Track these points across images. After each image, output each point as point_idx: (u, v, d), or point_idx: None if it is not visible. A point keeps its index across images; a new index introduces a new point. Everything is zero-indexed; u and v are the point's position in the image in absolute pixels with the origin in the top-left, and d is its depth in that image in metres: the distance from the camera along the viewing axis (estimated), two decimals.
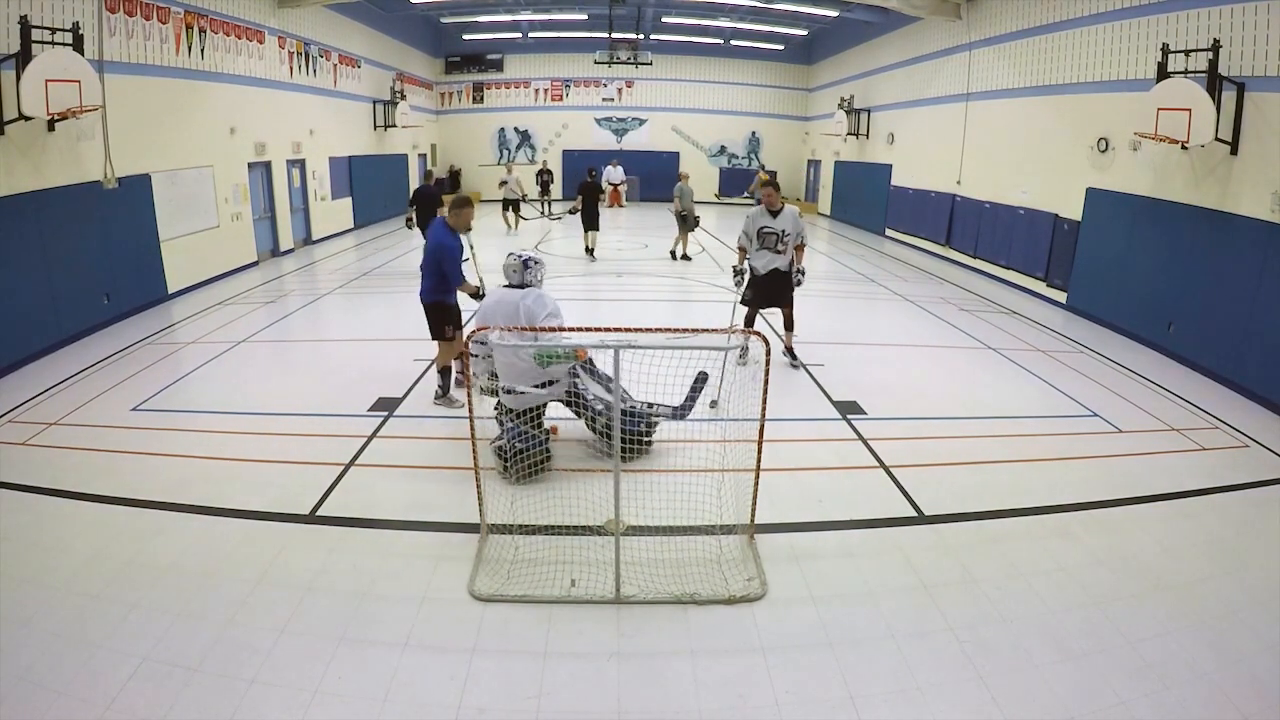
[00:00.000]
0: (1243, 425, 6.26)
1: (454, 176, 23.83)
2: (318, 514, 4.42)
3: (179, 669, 3.09)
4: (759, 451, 3.95)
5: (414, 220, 12.19)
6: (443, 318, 5.99)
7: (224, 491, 4.63)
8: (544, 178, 20.34)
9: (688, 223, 13.45)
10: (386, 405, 6.13)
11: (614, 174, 22.70)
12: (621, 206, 22.85)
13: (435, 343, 6.16)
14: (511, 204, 16.64)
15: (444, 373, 6.17)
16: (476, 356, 4.99)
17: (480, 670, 3.16)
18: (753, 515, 4.10)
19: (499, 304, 5.00)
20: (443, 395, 6.16)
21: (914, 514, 4.58)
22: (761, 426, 3.88)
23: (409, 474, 4.99)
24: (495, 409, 5.11)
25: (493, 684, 3.09)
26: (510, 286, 5.10)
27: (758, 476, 4.01)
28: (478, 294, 6.08)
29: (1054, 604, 3.69)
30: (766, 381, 3.80)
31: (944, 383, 7.16)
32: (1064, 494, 4.87)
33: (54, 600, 3.53)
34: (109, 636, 3.28)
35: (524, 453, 4.73)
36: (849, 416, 6.13)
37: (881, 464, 5.25)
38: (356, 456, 5.20)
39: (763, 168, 23.53)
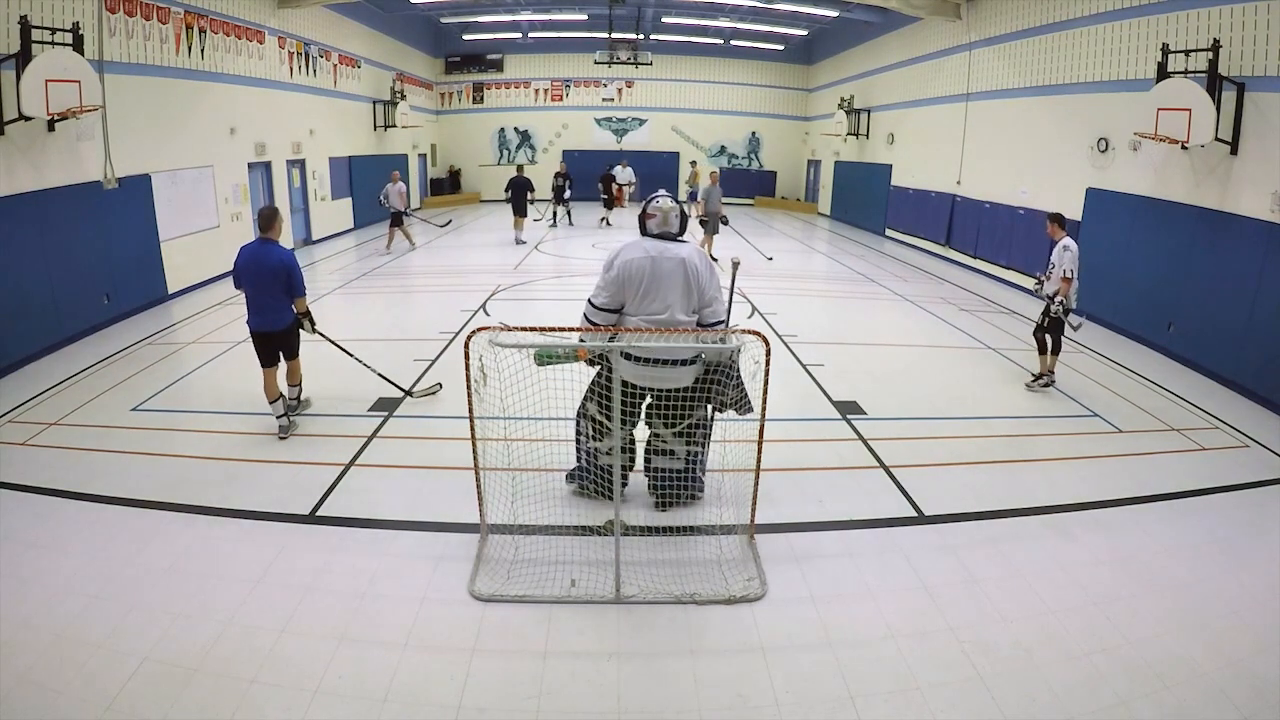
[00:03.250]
0: (1243, 425, 6.26)
1: (453, 177, 23.83)
2: (318, 514, 4.42)
3: (179, 669, 3.09)
4: (759, 451, 3.95)
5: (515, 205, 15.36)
6: (297, 334, 5.58)
7: (224, 491, 4.64)
8: (559, 181, 18.92)
9: (711, 224, 13.39)
10: (386, 405, 6.13)
11: (622, 174, 22.64)
12: (623, 207, 22.83)
13: (267, 366, 5.52)
14: (395, 217, 14.08)
15: (298, 387, 5.78)
16: (604, 315, 4.14)
17: (480, 670, 3.16)
18: (753, 515, 4.11)
19: (656, 262, 3.99)
20: (296, 410, 5.76)
21: (914, 514, 4.58)
22: (761, 426, 3.88)
23: (409, 474, 4.99)
24: (583, 422, 4.41)
25: (493, 684, 3.09)
26: (659, 238, 4.15)
27: (758, 476, 4.01)
28: (309, 315, 5.62)
29: (1054, 604, 3.69)
30: (766, 382, 3.80)
31: (944, 383, 7.16)
32: (1064, 494, 4.87)
33: (54, 600, 3.53)
34: (109, 636, 3.28)
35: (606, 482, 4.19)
36: (849, 416, 6.13)
37: (881, 464, 5.25)
38: (356, 456, 5.20)
39: (693, 164, 23.30)
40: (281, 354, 5.58)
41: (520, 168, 16.21)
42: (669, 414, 4.15)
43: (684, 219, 4.25)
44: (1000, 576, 3.92)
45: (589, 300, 4.22)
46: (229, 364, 7.25)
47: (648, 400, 4.23)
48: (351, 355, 6.30)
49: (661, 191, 4.39)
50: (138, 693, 2.96)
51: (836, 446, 5.57)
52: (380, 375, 6.28)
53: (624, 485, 4.29)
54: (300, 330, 5.64)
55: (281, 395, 5.55)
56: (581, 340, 4.12)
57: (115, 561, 3.87)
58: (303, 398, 5.95)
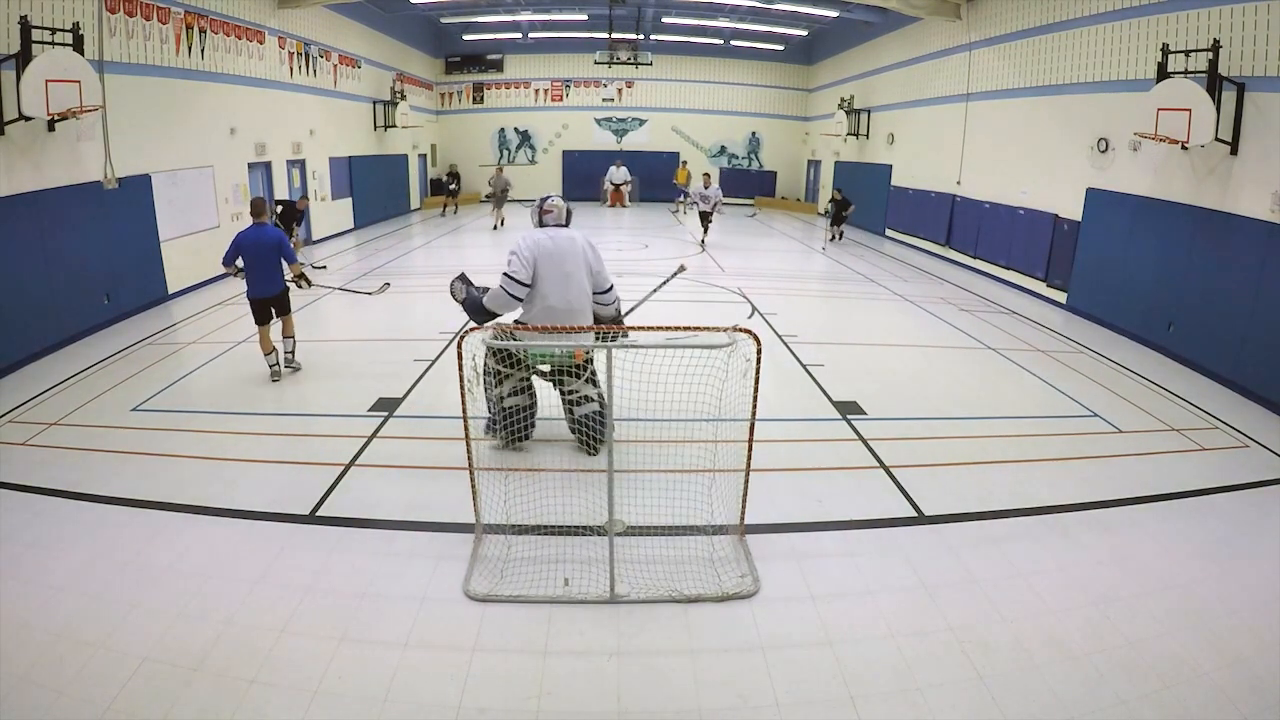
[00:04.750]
0: (1243, 425, 6.26)
1: (454, 178, 23.79)
2: (318, 514, 4.42)
3: (179, 669, 3.09)
4: (749, 451, 3.96)
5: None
6: (287, 296, 6.84)
7: (224, 492, 4.64)
8: (498, 185, 17.65)
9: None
10: (386, 405, 6.13)
11: (616, 174, 22.71)
12: (625, 207, 22.86)
13: (260, 325, 6.73)
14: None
15: (292, 339, 6.99)
16: (517, 298, 4.96)
17: (480, 670, 3.17)
18: (742, 515, 4.12)
19: (555, 240, 4.97)
20: (293, 361, 6.99)
21: (914, 514, 4.58)
22: (751, 427, 3.88)
23: (409, 474, 4.99)
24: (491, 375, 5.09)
25: (493, 684, 3.09)
26: (556, 226, 5.14)
27: (747, 477, 4.02)
28: (302, 275, 6.91)
29: (1054, 604, 3.70)
30: (757, 383, 3.79)
31: (944, 383, 7.16)
32: (1064, 494, 4.87)
33: (54, 600, 3.53)
34: (109, 636, 3.28)
35: (515, 423, 5.04)
36: (849, 416, 6.13)
37: (881, 464, 5.25)
38: (356, 456, 5.20)
39: (684, 163, 23.38)
40: (276, 312, 6.78)
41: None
42: (577, 368, 5.07)
43: (569, 213, 5.26)
44: (1000, 576, 3.91)
45: (508, 275, 4.92)
46: (229, 364, 7.25)
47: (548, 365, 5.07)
48: (341, 289, 8.57)
49: (552, 194, 5.33)
50: (138, 693, 2.96)
51: (836, 446, 5.57)
52: (350, 290, 8.45)
53: (531, 429, 5.24)
54: (298, 286, 6.93)
55: (275, 349, 6.74)
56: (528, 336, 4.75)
57: (115, 561, 3.87)
58: (296, 354, 7.02)
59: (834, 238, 16.50)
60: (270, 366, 6.71)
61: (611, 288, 5.27)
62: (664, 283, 6.16)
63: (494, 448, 5.19)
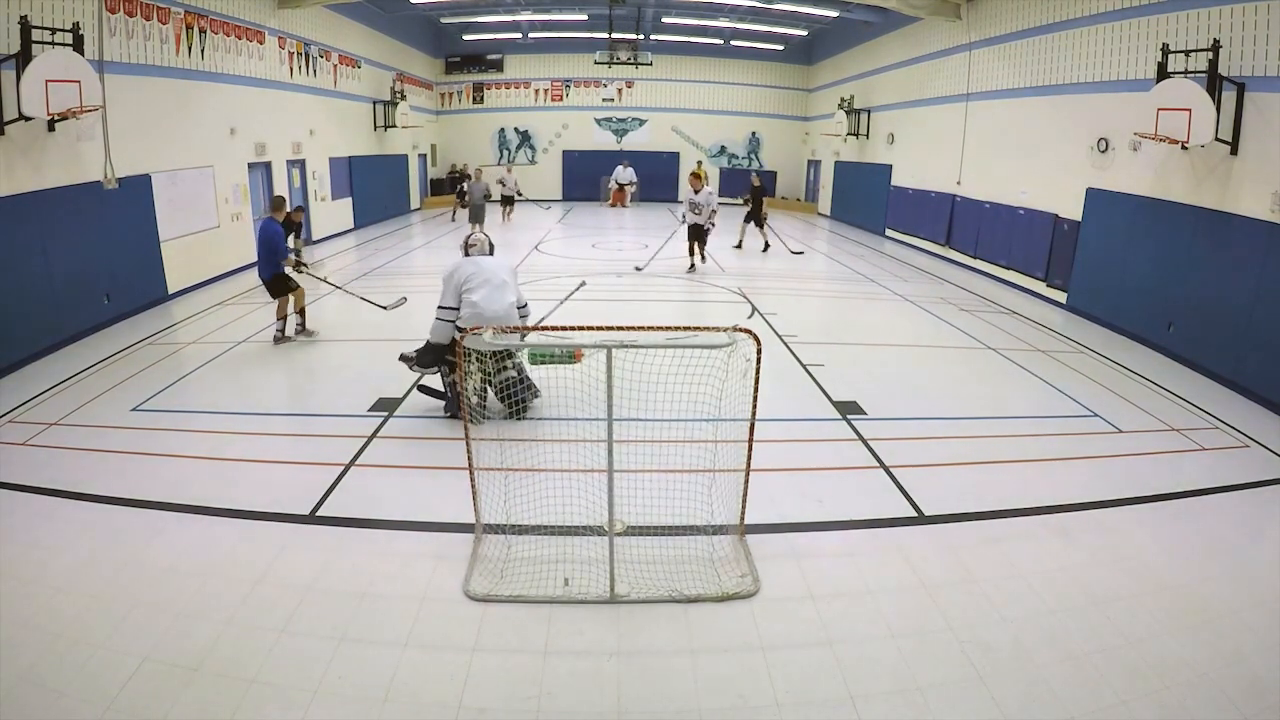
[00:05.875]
0: (1243, 425, 6.26)
1: (454, 178, 23.82)
2: (317, 514, 4.42)
3: (179, 669, 3.09)
4: (749, 451, 3.95)
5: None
6: (285, 280, 7.83)
7: (224, 491, 4.64)
8: (474, 194, 16.63)
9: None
10: (386, 405, 6.13)
11: (623, 175, 22.72)
12: (625, 207, 22.87)
13: (274, 299, 7.92)
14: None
15: (301, 313, 8.13)
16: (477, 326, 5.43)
17: (480, 670, 3.17)
18: (742, 515, 4.12)
19: (479, 264, 5.75)
20: (303, 330, 8.10)
21: (914, 514, 4.58)
22: (751, 426, 3.88)
23: (409, 474, 4.99)
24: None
25: (493, 684, 3.09)
26: (483, 255, 5.98)
27: (747, 476, 4.02)
28: (299, 265, 8.06)
29: (1054, 604, 3.69)
30: (757, 383, 3.78)
31: (944, 383, 7.16)
32: (1064, 494, 4.87)
33: (54, 600, 3.53)
34: (109, 636, 3.28)
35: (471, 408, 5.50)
36: (849, 416, 6.13)
37: (881, 464, 5.25)
38: (356, 456, 5.20)
39: (699, 163, 23.29)
40: (271, 293, 7.84)
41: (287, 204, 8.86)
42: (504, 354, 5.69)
43: (491, 245, 6.10)
44: (1000, 576, 3.91)
45: (440, 307, 5.62)
46: (229, 364, 7.25)
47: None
48: (338, 287, 9.04)
49: (474, 229, 6.21)
50: (138, 693, 2.96)
51: (836, 446, 5.57)
52: (365, 299, 8.67)
53: (484, 409, 5.68)
54: (298, 272, 8.02)
55: (286, 317, 7.87)
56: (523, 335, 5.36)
57: (115, 561, 3.87)
58: (307, 326, 8.16)
59: (765, 246, 14.27)
60: (276, 331, 7.91)
61: (527, 304, 6.06)
62: (567, 297, 7.09)
63: (448, 416, 5.84)
